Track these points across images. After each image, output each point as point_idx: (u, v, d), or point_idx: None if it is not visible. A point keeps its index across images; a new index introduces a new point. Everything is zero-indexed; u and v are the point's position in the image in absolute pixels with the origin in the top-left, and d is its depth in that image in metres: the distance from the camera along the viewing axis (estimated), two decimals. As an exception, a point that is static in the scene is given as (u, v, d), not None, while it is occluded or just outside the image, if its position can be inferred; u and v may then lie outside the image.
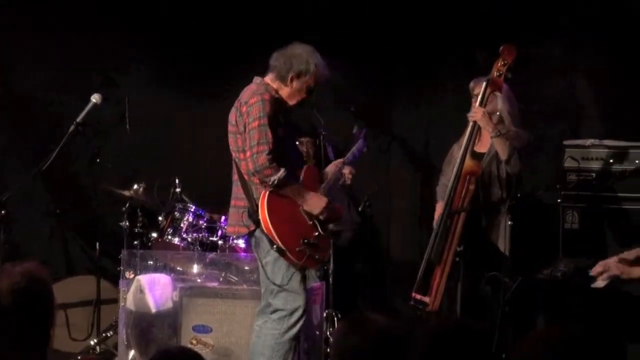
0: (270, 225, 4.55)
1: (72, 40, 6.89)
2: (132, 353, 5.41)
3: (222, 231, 5.92)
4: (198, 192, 6.33)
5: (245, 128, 4.58)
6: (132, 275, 5.53)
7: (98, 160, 6.06)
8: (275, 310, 4.67)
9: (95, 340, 6.02)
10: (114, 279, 6.03)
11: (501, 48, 5.22)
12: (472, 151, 5.31)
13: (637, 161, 5.65)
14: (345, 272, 6.39)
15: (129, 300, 5.37)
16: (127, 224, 6.11)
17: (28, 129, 6.93)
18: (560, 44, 6.44)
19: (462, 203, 5.22)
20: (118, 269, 5.77)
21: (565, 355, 2.26)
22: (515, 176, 5.27)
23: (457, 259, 5.13)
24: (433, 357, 2.55)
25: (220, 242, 5.93)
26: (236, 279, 5.59)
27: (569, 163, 5.77)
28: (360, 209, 6.63)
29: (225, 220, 5.40)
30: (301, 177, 4.74)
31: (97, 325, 6.08)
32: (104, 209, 6.47)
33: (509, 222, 4.91)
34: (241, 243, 5.78)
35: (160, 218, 6.09)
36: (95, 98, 5.25)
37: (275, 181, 4.53)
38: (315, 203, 4.70)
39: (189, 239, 5.93)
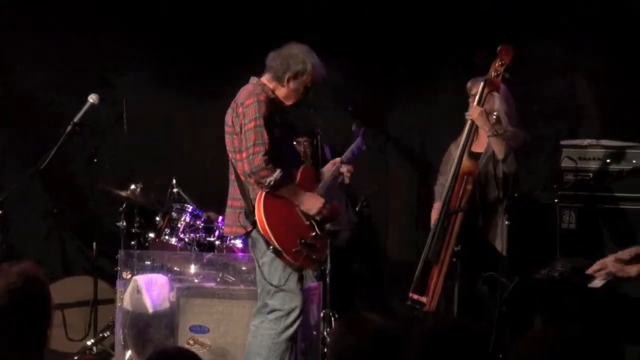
0: (266, 226, 4.54)
1: (72, 40, 6.89)
2: (129, 353, 5.40)
3: (219, 231, 5.91)
4: (198, 193, 6.32)
5: (241, 129, 4.57)
6: (129, 276, 5.51)
7: (95, 160, 6.08)
8: (272, 311, 4.66)
9: (92, 341, 6.02)
10: (111, 279, 6.02)
11: (499, 48, 5.22)
12: (470, 151, 5.31)
13: (634, 161, 5.65)
14: (342, 272, 6.38)
15: (126, 301, 5.37)
16: (125, 224, 6.11)
17: (28, 129, 6.93)
18: (560, 44, 6.43)
19: (459, 203, 5.21)
20: (115, 269, 5.76)
21: (562, 355, 2.26)
22: (512, 176, 5.28)
23: (455, 259, 5.14)
24: (430, 357, 2.54)
25: (217, 242, 5.91)
26: (233, 279, 5.58)
27: (566, 163, 5.76)
28: (357, 208, 6.62)
29: (223, 220, 5.40)
30: (298, 177, 4.74)
31: (94, 325, 6.09)
32: (101, 209, 6.46)
33: (506, 222, 4.92)
34: (238, 243, 5.77)
35: (157, 218, 6.08)
36: (92, 98, 5.24)
37: (272, 182, 4.53)
38: (311, 203, 4.69)
39: (186, 239, 5.91)
